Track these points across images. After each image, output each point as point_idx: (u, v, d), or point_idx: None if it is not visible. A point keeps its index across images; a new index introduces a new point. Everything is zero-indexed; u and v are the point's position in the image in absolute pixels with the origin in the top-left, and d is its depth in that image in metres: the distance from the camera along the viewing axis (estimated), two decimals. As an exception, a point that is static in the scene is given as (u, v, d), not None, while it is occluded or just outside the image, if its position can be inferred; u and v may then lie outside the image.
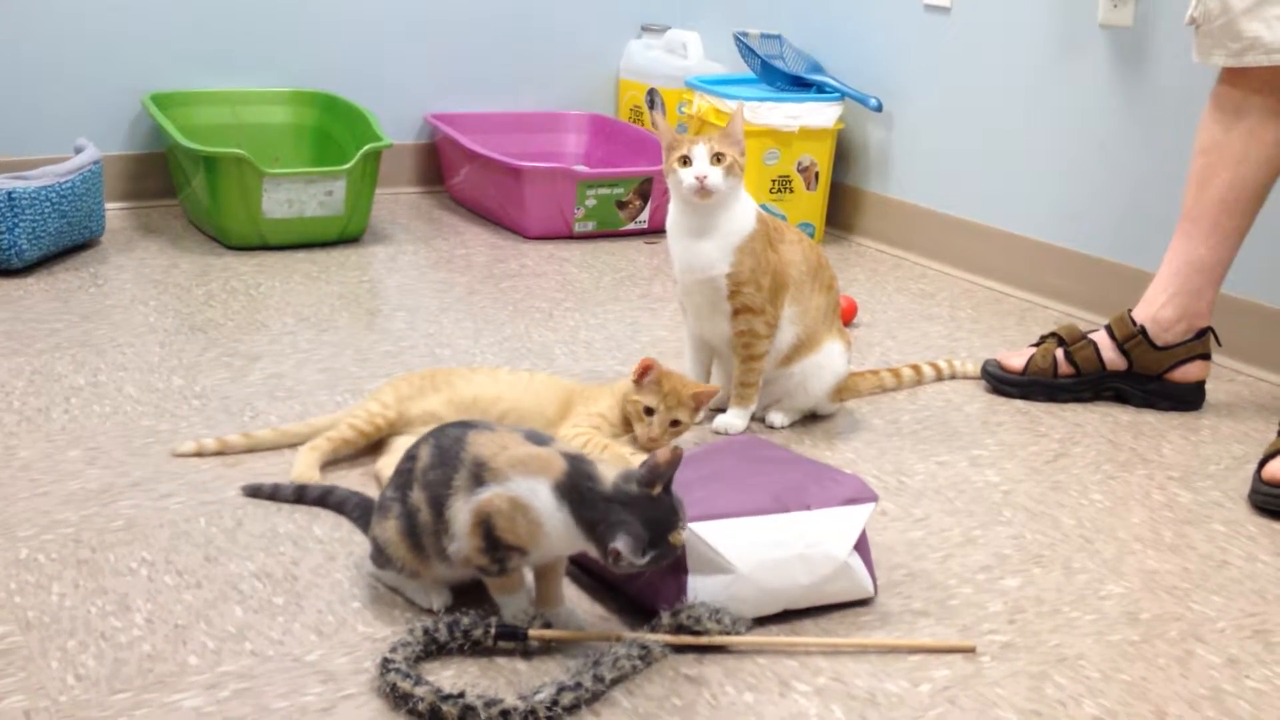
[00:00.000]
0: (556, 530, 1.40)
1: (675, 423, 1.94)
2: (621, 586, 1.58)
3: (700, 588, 1.49)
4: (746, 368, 2.08)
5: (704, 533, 1.48)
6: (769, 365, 2.11)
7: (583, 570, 1.63)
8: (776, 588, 1.52)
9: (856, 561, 1.57)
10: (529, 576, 1.50)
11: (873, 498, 1.59)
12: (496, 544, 1.42)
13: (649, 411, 1.93)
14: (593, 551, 1.40)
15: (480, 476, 1.42)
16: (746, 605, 1.51)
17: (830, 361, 2.12)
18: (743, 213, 2.03)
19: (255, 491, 1.79)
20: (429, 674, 1.40)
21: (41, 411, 2.06)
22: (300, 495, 1.78)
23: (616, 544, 1.35)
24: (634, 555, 1.36)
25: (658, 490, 1.39)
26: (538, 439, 1.47)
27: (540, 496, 1.40)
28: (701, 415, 2.14)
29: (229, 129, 3.32)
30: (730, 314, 2.05)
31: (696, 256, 2.04)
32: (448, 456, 1.45)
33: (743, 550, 1.50)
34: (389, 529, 1.50)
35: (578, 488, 1.39)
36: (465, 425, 1.50)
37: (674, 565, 1.48)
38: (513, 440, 1.46)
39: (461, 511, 1.42)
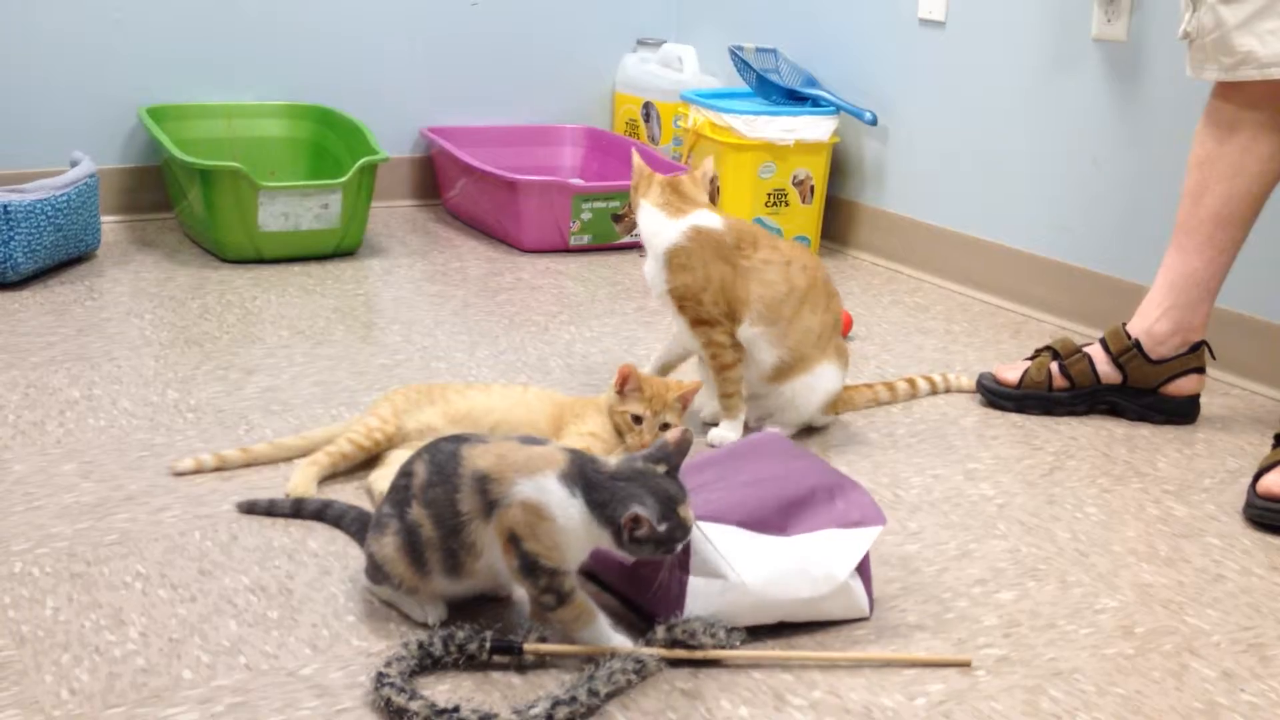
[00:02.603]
0: (573, 522, 1.40)
1: (665, 426, 1.96)
2: (622, 590, 1.59)
3: (699, 590, 1.49)
4: (721, 378, 2.10)
5: (713, 535, 1.49)
6: (755, 381, 2.11)
7: (580, 579, 1.62)
8: (775, 599, 1.52)
9: (857, 583, 1.57)
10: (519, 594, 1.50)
11: (880, 521, 1.59)
12: (534, 567, 1.41)
13: (637, 420, 1.94)
14: (608, 542, 1.40)
15: (487, 491, 1.42)
16: (743, 613, 1.51)
17: (822, 381, 2.11)
18: (659, 230, 2.08)
19: (251, 508, 1.79)
20: (424, 688, 1.40)
21: (36, 425, 2.05)
22: (298, 509, 1.78)
23: (635, 509, 1.36)
24: (653, 520, 1.36)
25: (663, 469, 1.41)
26: (533, 442, 1.48)
27: (550, 490, 1.40)
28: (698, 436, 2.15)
29: (225, 142, 3.33)
30: (688, 327, 2.08)
31: (646, 272, 2.12)
32: (445, 473, 1.45)
33: (746, 559, 1.50)
34: (386, 545, 1.50)
35: (584, 473, 1.41)
36: (458, 439, 1.50)
37: (676, 563, 1.48)
38: (509, 447, 1.46)
39: (490, 538, 1.43)
